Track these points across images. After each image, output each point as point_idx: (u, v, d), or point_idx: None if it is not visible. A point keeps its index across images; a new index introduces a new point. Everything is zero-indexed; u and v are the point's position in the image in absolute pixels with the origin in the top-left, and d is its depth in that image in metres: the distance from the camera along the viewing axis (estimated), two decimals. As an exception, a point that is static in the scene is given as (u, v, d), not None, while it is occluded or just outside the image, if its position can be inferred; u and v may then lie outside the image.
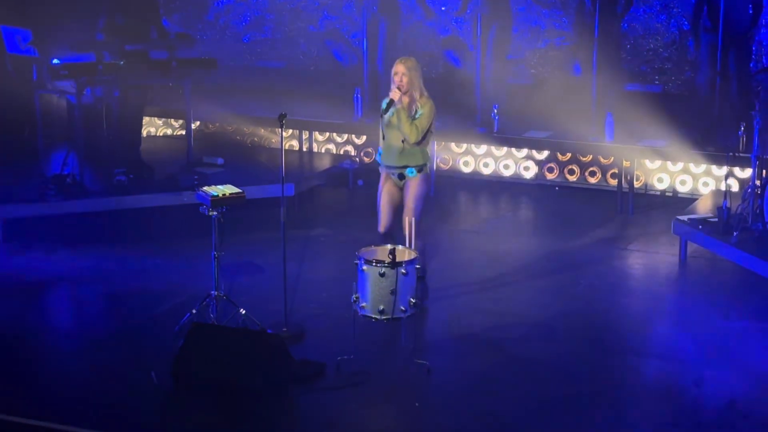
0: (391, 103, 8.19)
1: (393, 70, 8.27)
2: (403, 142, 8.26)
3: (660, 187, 11.58)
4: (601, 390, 7.40)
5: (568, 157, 11.85)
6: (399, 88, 8.19)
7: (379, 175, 8.53)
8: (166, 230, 10.33)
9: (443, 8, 12.96)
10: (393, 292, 7.51)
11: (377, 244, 8.03)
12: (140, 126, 11.34)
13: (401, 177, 8.38)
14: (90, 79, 10.35)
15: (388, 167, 8.39)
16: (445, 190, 11.86)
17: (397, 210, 8.43)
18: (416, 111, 8.23)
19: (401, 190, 8.42)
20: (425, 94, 8.28)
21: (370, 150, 12.39)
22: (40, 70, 10.50)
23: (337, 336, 7.99)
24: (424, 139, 8.30)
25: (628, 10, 11.59)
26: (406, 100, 8.22)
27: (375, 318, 7.62)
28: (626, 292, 9.14)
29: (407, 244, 7.84)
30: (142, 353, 7.83)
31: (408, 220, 8.25)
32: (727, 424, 6.96)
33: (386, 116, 8.24)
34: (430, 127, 8.31)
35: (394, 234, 8.37)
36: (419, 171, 8.36)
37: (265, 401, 7.05)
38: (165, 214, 10.43)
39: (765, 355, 7.88)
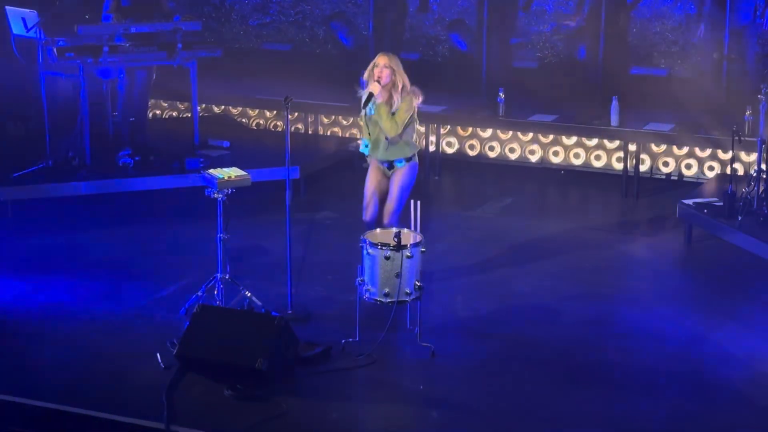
0: (370, 96, 8.15)
1: (373, 62, 8.23)
2: (386, 138, 8.26)
3: (665, 170, 11.57)
4: (604, 373, 7.42)
5: (574, 141, 11.84)
6: (378, 81, 8.16)
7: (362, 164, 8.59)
8: (172, 213, 10.35)
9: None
10: (398, 275, 7.53)
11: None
12: (146, 108, 11.34)
13: (390, 167, 8.40)
14: (96, 61, 10.36)
15: (378, 160, 8.41)
16: (450, 173, 11.85)
17: (383, 198, 8.45)
18: (396, 106, 8.21)
19: (389, 179, 8.44)
20: (408, 88, 8.25)
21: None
22: (45, 52, 10.50)
23: (342, 319, 8.01)
24: (405, 132, 8.29)
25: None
26: (386, 94, 8.19)
27: (380, 301, 7.64)
28: (631, 276, 9.15)
29: (410, 228, 7.86)
30: (147, 335, 7.86)
31: (389, 208, 8.29)
32: (729, 407, 6.97)
33: (366, 112, 8.22)
34: (411, 118, 8.29)
35: (378, 222, 8.41)
36: (408, 161, 8.37)
37: (270, 383, 7.08)
38: (170, 196, 10.44)
39: (769, 339, 7.91)
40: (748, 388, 7.19)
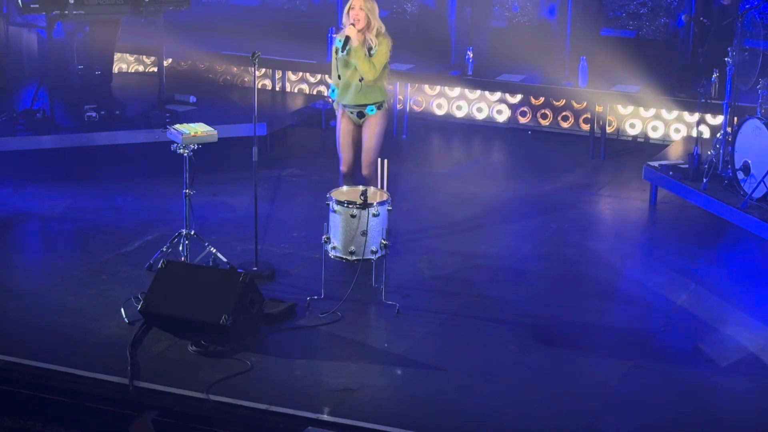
0: (347, 40, 8.13)
1: (348, 5, 8.19)
2: (360, 80, 8.21)
3: (632, 132, 11.60)
4: (566, 333, 7.47)
5: (541, 102, 11.84)
6: (354, 24, 8.14)
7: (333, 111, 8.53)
8: (137, 168, 10.28)
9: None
10: (364, 234, 7.53)
11: (341, 184, 8.06)
12: (111, 62, 11.23)
13: (360, 115, 8.36)
14: (61, 14, 10.23)
15: (346, 106, 8.36)
16: (417, 132, 11.83)
17: (358, 148, 8.44)
18: (372, 48, 8.17)
19: (360, 127, 8.40)
20: (383, 31, 8.22)
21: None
22: (9, 4, 10.36)
23: (307, 276, 8.02)
24: (380, 76, 8.27)
25: None
26: (361, 37, 8.16)
27: (345, 259, 7.64)
28: (596, 237, 9.19)
29: (376, 184, 7.86)
30: (112, 290, 7.83)
31: (366, 159, 8.27)
32: (691, 367, 7.04)
33: (342, 54, 8.19)
34: (386, 62, 8.28)
35: (355, 172, 8.40)
36: (378, 108, 8.33)
37: (235, 340, 7.08)
38: (136, 151, 10.37)
39: (731, 300, 7.96)
40: (710, 349, 7.26)
